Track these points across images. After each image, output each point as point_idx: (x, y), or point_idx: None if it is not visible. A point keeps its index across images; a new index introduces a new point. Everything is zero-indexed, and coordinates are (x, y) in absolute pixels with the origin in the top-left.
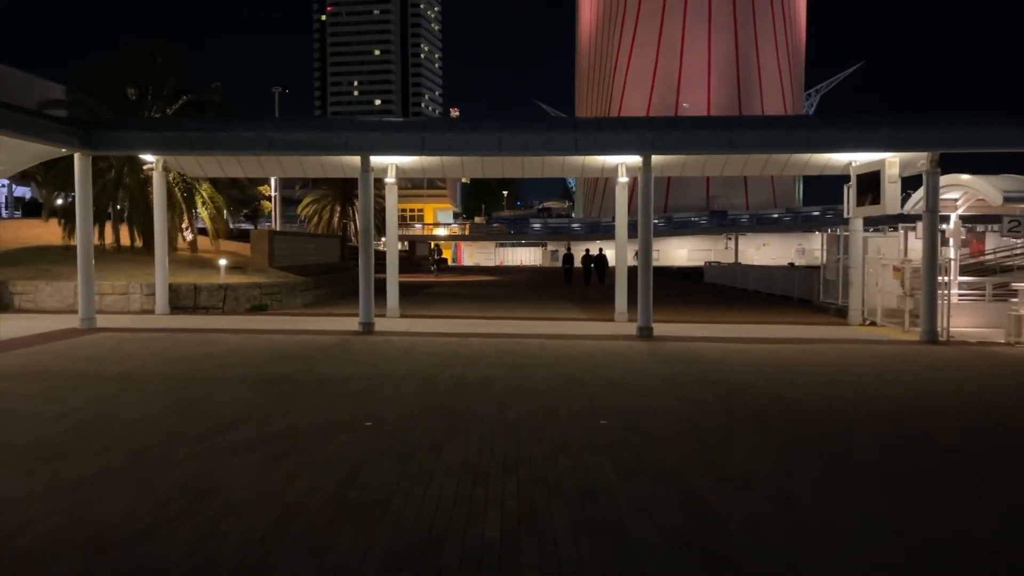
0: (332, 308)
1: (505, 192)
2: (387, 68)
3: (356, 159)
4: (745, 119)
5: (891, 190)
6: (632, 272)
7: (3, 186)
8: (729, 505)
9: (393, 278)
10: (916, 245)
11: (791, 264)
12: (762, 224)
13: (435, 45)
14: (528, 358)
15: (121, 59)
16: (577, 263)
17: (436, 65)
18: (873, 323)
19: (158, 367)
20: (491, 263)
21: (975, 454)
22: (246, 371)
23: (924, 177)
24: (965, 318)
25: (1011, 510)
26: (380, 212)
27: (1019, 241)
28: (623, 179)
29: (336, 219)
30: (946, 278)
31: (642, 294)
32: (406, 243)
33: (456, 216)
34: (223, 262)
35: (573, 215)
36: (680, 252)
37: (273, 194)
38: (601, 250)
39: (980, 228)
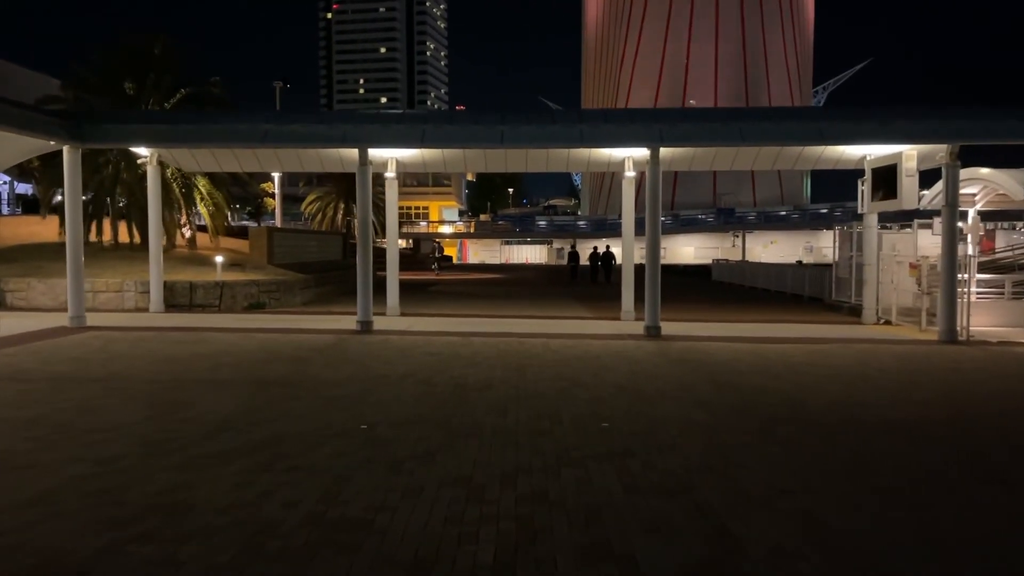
0: (332, 306)
1: (511, 190)
2: (393, 66)
3: (355, 152)
4: (757, 110)
5: (908, 184)
6: (639, 270)
7: (4, 183)
8: (747, 526)
9: (393, 275)
10: (932, 242)
11: (799, 262)
12: (770, 222)
13: (441, 43)
14: (531, 359)
15: (119, 53)
16: (584, 261)
17: (442, 63)
18: (888, 322)
19: (144, 368)
20: (496, 261)
21: (1014, 467)
22: (236, 373)
23: (943, 171)
24: (984, 317)
25: None
26: (384, 209)
27: None
28: (630, 174)
29: (340, 216)
30: (964, 275)
31: (649, 292)
32: (410, 240)
33: (461, 214)
34: (219, 259)
35: (579, 212)
36: (687, 250)
37: (276, 191)
38: (608, 248)
39: (989, 225)
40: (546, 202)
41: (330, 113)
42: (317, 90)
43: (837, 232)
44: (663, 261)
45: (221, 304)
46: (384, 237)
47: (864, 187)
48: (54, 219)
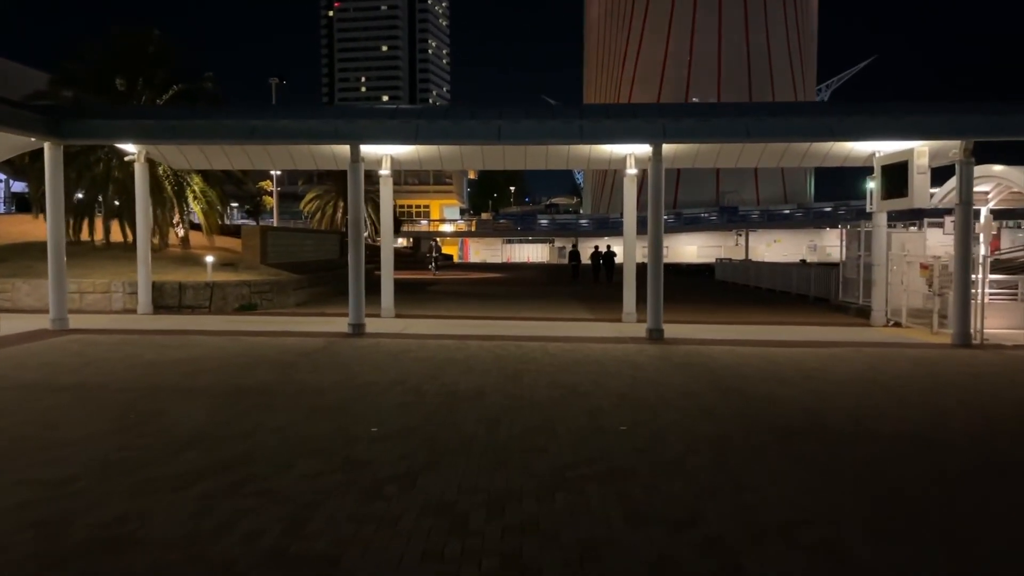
0: (325, 307)
1: (512, 188)
2: (395, 64)
3: (347, 149)
4: (763, 105)
5: (920, 181)
6: (641, 269)
7: (0, 181)
8: (764, 565)
9: (388, 276)
10: (939, 241)
11: (803, 261)
12: (773, 220)
13: (443, 41)
14: (528, 364)
15: (110, 47)
16: (585, 260)
17: (444, 61)
18: (898, 324)
19: (121, 375)
20: (498, 260)
21: None
22: (216, 379)
23: (957, 167)
24: (997, 319)
25: None
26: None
27: None
28: (632, 171)
29: (340, 215)
30: (976, 276)
31: (652, 293)
32: (410, 239)
33: (463, 212)
34: (210, 259)
35: (581, 211)
36: (690, 248)
37: (273, 189)
38: (609, 247)
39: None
40: (548, 200)
41: (321, 108)
42: (319, 88)
43: (844, 231)
44: (665, 260)
45: (211, 305)
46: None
47: (873, 185)
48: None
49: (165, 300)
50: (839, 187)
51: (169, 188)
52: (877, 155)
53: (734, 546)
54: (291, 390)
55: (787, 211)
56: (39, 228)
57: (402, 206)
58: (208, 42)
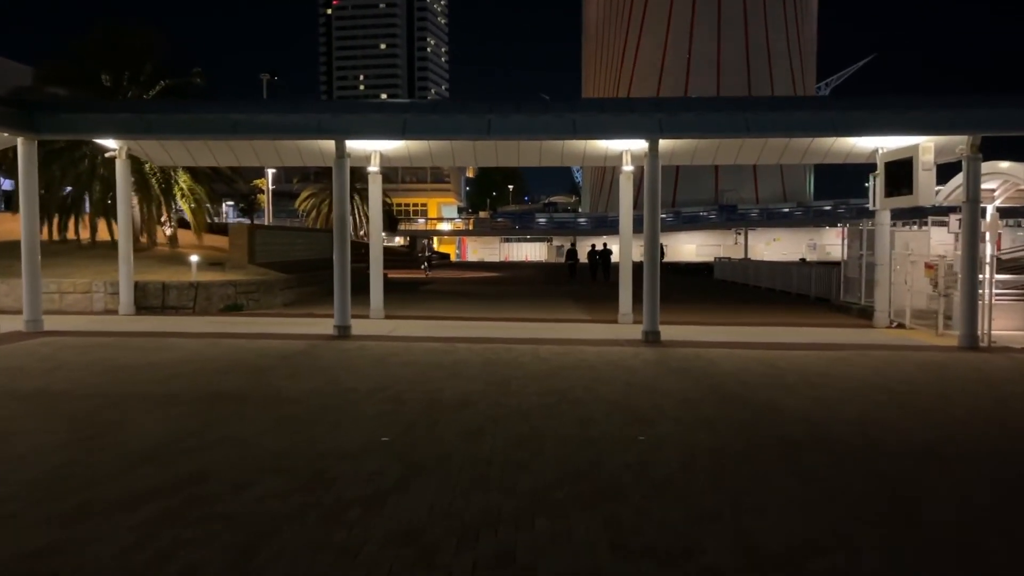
0: (314, 308)
1: (511, 187)
2: (393, 62)
3: (333, 144)
4: (764, 99)
5: (925, 178)
6: (639, 269)
7: None
8: None
9: (377, 275)
10: (941, 240)
11: (802, 260)
12: (772, 219)
13: (441, 39)
14: (517, 369)
15: (99, 40)
16: (583, 259)
17: (443, 60)
18: (901, 325)
19: (88, 381)
20: (496, 259)
21: None
22: (188, 386)
23: (964, 163)
24: (1003, 320)
25: None
26: (382, 206)
27: None
28: (628, 168)
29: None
30: (983, 276)
31: (648, 294)
32: (407, 238)
33: (461, 211)
34: (195, 258)
35: (580, 209)
36: (688, 247)
37: (267, 187)
38: (606, 245)
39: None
40: (547, 199)
41: (305, 102)
42: (317, 88)
43: (846, 230)
44: (665, 259)
45: (195, 306)
46: (380, 233)
47: (876, 182)
48: None
49: (148, 301)
50: (839, 185)
51: (156, 185)
52: (880, 151)
53: None
54: (263, 398)
55: (786, 210)
56: None
57: (399, 204)
58: (207, 42)
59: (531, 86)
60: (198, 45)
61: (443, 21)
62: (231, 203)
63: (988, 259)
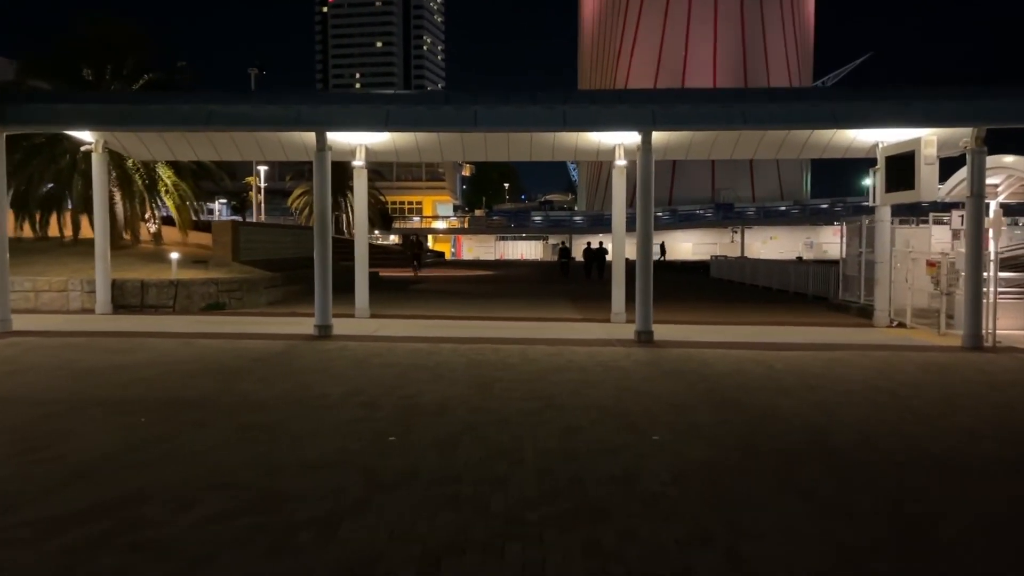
0: (298, 307)
1: (507, 185)
2: (389, 60)
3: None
4: (761, 91)
5: (927, 173)
6: (632, 267)
7: None
8: None
9: (363, 273)
10: (941, 237)
11: (799, 258)
12: (769, 217)
13: (438, 37)
14: (503, 371)
15: (82, 34)
16: (579, 257)
17: (439, 57)
18: (902, 324)
19: (45, 385)
20: (491, 257)
21: None
22: (150, 391)
23: (968, 157)
24: (1007, 319)
25: None
26: (376, 204)
27: None
28: (620, 162)
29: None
30: (986, 274)
31: (641, 293)
32: (399, 236)
33: (456, 209)
34: (175, 255)
35: (576, 208)
36: (685, 245)
37: (257, 183)
38: (601, 243)
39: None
40: (543, 197)
41: (284, 93)
42: (313, 85)
43: (844, 227)
44: (660, 257)
45: (176, 305)
46: (374, 231)
47: (876, 177)
48: (8, 213)
49: (127, 299)
50: (836, 183)
51: (139, 181)
52: (880, 145)
53: None
54: (227, 405)
55: (783, 208)
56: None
57: (393, 202)
58: (202, 39)
59: (528, 86)
60: (193, 42)
61: (439, 19)
62: (224, 200)
63: (992, 257)
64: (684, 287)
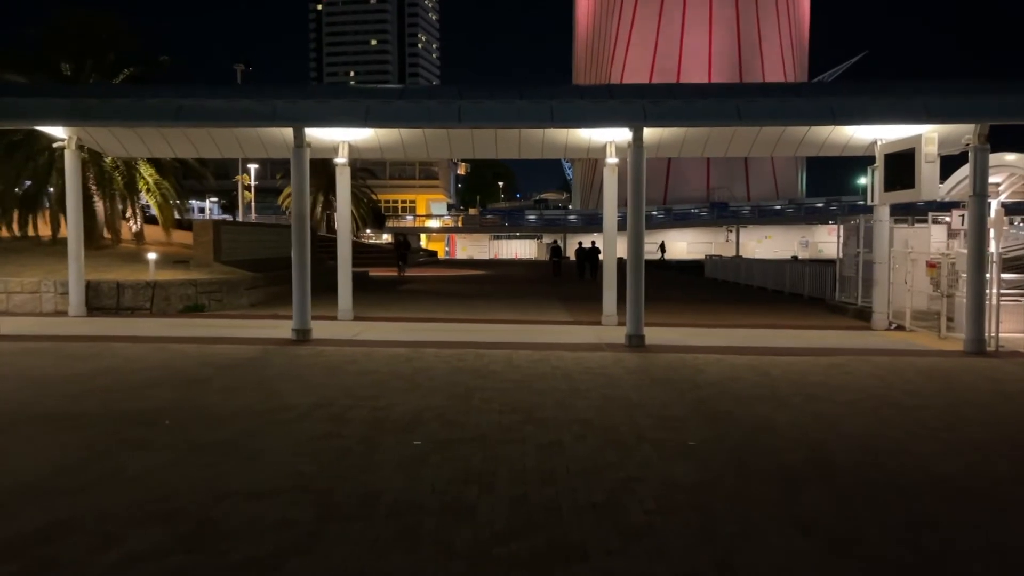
0: (280, 309)
1: (501, 184)
2: (384, 58)
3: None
4: (756, 86)
5: (928, 171)
6: (624, 267)
7: None
8: None
9: (346, 274)
10: (939, 237)
11: (794, 257)
12: (764, 216)
13: (433, 35)
14: (485, 379)
15: (61, 27)
16: (572, 256)
17: (434, 56)
18: (901, 327)
19: None
20: (485, 256)
21: None
22: (103, 403)
23: (971, 154)
24: (1009, 322)
25: None
26: (368, 203)
27: None
28: (612, 160)
29: (320, 209)
30: (988, 275)
31: (632, 295)
32: (392, 235)
33: (450, 208)
34: (152, 256)
35: (570, 207)
36: (680, 245)
37: (245, 182)
38: (594, 243)
39: None
40: (537, 196)
41: (257, 86)
42: (308, 83)
43: (841, 226)
44: (654, 257)
45: (153, 307)
46: (366, 230)
47: (874, 175)
48: None
49: (102, 301)
50: (831, 182)
51: (119, 179)
52: (879, 143)
53: None
54: (184, 418)
55: (778, 207)
56: None
57: (387, 201)
58: (195, 36)
59: (519, 83)
60: (188, 42)
61: (434, 17)
62: (215, 199)
63: (995, 258)
64: (678, 287)
